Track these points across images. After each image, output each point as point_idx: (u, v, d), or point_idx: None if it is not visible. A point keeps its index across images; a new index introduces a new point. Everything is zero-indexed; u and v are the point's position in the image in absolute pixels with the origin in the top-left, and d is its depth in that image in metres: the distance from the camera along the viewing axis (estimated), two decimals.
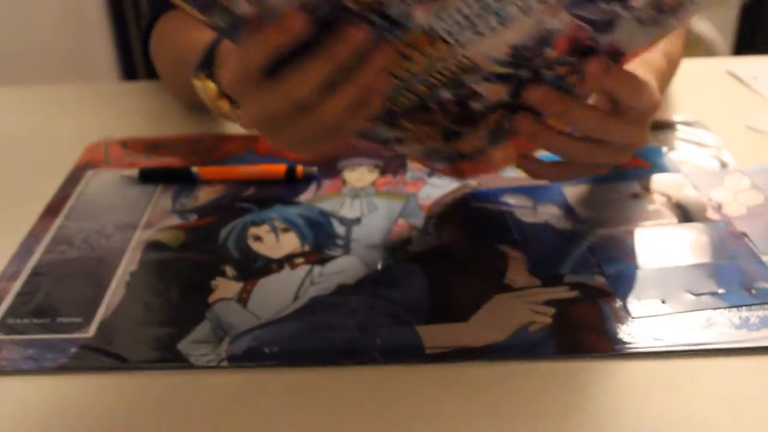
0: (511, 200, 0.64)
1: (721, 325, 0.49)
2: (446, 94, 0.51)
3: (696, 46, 0.47)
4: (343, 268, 0.57)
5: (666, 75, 0.65)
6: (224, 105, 0.70)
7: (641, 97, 0.50)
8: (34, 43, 1.86)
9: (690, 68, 0.81)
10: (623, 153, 0.54)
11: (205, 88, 0.69)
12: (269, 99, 0.46)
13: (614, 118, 0.50)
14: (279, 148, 0.50)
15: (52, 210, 0.66)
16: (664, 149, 0.71)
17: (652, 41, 0.48)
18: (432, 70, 0.48)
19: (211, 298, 0.54)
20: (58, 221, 0.64)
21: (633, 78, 0.49)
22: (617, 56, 0.48)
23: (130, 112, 0.84)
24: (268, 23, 0.43)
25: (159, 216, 0.64)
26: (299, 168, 0.68)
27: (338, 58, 0.44)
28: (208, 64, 0.69)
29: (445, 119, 0.53)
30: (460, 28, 0.44)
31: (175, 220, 0.64)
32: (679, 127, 0.75)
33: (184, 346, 0.50)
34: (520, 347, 0.49)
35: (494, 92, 0.50)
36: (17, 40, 1.84)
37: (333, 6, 0.43)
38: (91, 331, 0.52)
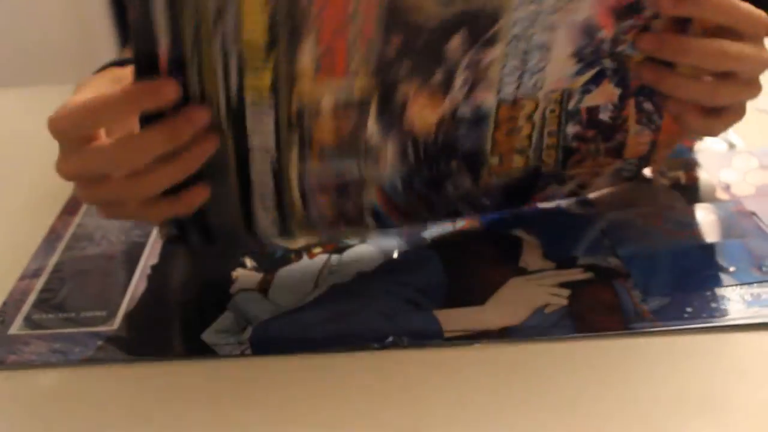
0: None
1: (733, 302, 0.50)
2: (573, 128, 0.51)
3: None
4: (361, 256, 0.58)
5: None
6: None
7: (739, 15, 0.49)
8: (35, 43, 1.87)
9: None
10: (753, 84, 0.53)
11: None
12: (92, 156, 0.45)
13: (729, 42, 0.49)
14: (84, 202, 0.49)
15: (70, 208, 0.67)
16: None
17: None
18: (540, 122, 0.48)
19: (233, 289, 0.55)
20: (77, 219, 0.65)
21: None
22: None
23: None
24: None
25: None
26: None
27: (181, 138, 0.43)
28: None
29: (596, 146, 0.53)
30: (521, 79, 0.45)
31: None
32: None
33: (208, 336, 0.51)
34: (537, 329, 0.49)
35: (603, 95, 0.50)
36: (18, 41, 1.85)
37: (403, 136, 0.44)
38: (116, 324, 0.53)
